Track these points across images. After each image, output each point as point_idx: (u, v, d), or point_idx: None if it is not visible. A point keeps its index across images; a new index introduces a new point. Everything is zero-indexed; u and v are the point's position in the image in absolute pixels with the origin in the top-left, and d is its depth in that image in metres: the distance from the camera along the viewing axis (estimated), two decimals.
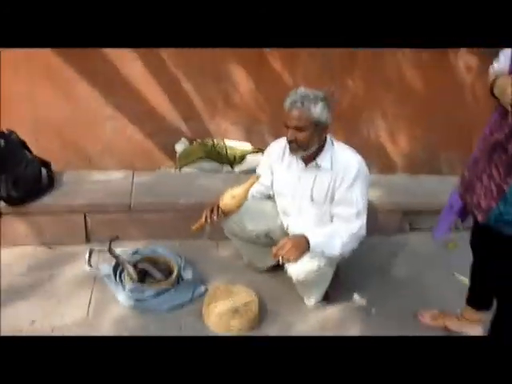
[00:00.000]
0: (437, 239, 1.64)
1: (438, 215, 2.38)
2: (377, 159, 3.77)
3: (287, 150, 1.91)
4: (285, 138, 1.90)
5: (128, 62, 2.87)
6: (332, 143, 1.88)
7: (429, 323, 1.99)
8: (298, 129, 1.76)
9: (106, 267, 2.03)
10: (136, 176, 2.52)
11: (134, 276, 1.93)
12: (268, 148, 2.10)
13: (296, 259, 1.71)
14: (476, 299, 1.88)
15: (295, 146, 1.81)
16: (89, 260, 2.07)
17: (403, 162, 3.78)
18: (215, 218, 1.89)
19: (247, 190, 1.89)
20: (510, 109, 1.27)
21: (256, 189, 2.03)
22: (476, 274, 1.81)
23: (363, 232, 1.84)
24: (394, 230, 2.67)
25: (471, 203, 1.47)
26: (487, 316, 1.81)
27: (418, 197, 2.73)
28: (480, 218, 1.43)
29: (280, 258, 1.71)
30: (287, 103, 1.78)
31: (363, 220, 1.84)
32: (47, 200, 2.19)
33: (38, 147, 2.42)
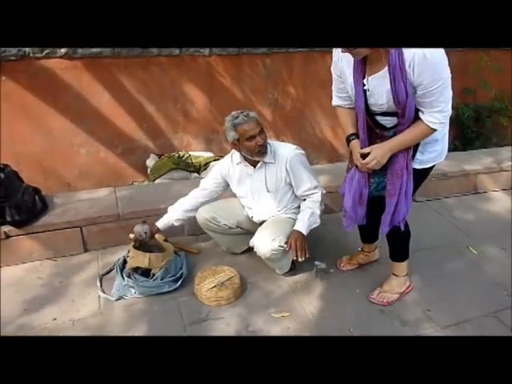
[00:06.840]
0: None
1: None
2: (324, 151, 4.26)
3: (233, 164, 2.35)
4: (225, 159, 2.39)
5: (96, 94, 3.20)
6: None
7: (348, 267, 2.49)
8: (262, 132, 2.16)
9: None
10: (117, 191, 2.86)
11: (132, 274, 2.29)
12: (217, 167, 2.47)
13: (306, 251, 2.19)
14: (365, 236, 2.41)
15: (266, 148, 2.20)
16: (101, 286, 2.31)
17: (347, 149, 4.28)
18: None
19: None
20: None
21: (204, 193, 2.44)
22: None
23: (323, 195, 2.34)
24: (340, 207, 3.13)
25: None
26: (377, 242, 2.42)
27: None
28: None
29: (299, 256, 2.17)
30: (238, 122, 2.11)
31: (320, 188, 2.33)
32: (45, 220, 2.49)
33: (22, 177, 2.67)
